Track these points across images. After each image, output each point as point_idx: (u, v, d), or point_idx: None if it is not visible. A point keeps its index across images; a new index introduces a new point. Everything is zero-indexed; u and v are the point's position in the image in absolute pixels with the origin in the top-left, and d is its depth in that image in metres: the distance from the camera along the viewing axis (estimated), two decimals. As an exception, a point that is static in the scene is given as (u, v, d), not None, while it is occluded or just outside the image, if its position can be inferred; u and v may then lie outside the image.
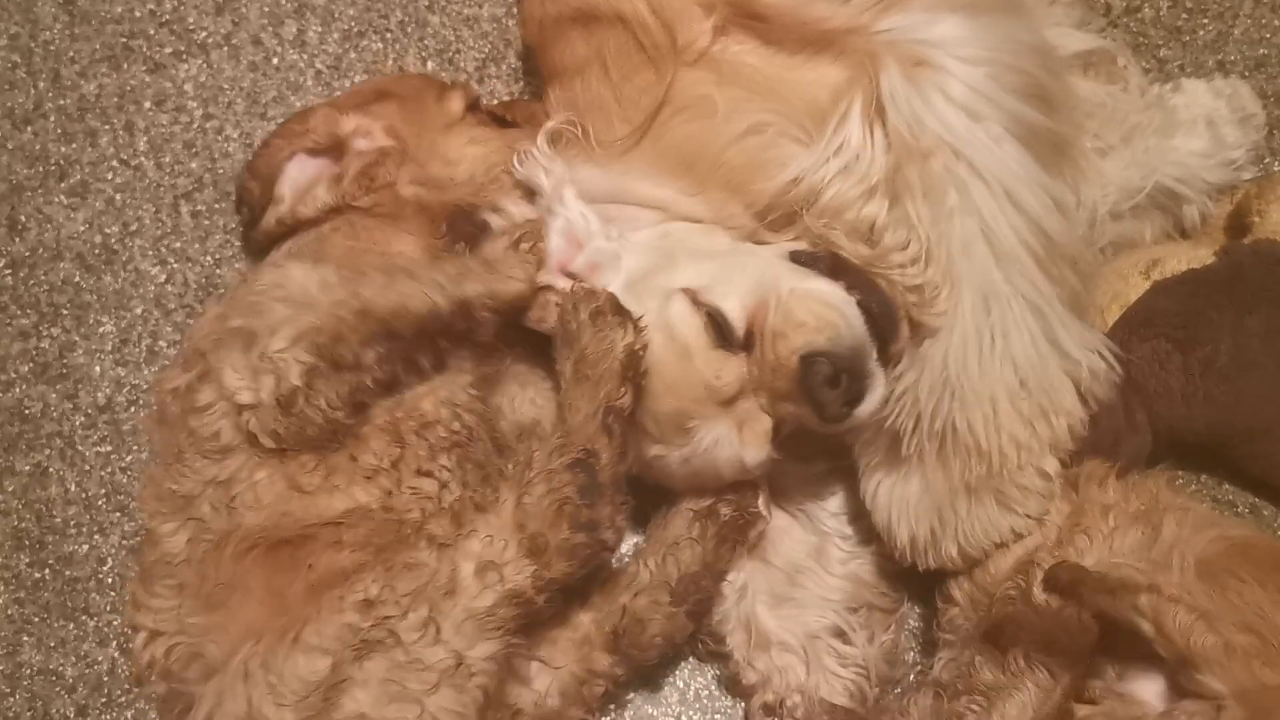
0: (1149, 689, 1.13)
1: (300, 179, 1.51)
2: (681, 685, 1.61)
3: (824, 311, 1.30)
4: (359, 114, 1.53)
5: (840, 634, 1.49)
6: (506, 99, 1.79)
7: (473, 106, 1.58)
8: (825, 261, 1.36)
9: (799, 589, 1.50)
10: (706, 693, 1.60)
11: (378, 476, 1.30)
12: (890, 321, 1.33)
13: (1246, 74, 1.74)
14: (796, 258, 1.37)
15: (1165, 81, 1.63)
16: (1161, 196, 1.55)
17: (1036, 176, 1.28)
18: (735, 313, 1.33)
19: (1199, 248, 1.52)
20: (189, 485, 1.28)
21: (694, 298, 1.34)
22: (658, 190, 1.41)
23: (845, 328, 1.30)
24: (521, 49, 1.80)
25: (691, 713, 1.60)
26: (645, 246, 1.42)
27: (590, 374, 1.29)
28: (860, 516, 1.51)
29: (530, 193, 1.49)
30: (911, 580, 1.53)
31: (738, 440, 1.34)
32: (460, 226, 1.50)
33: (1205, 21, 1.76)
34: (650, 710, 1.60)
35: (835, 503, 1.54)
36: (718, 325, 1.33)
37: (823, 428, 1.33)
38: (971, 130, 1.25)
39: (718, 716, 1.60)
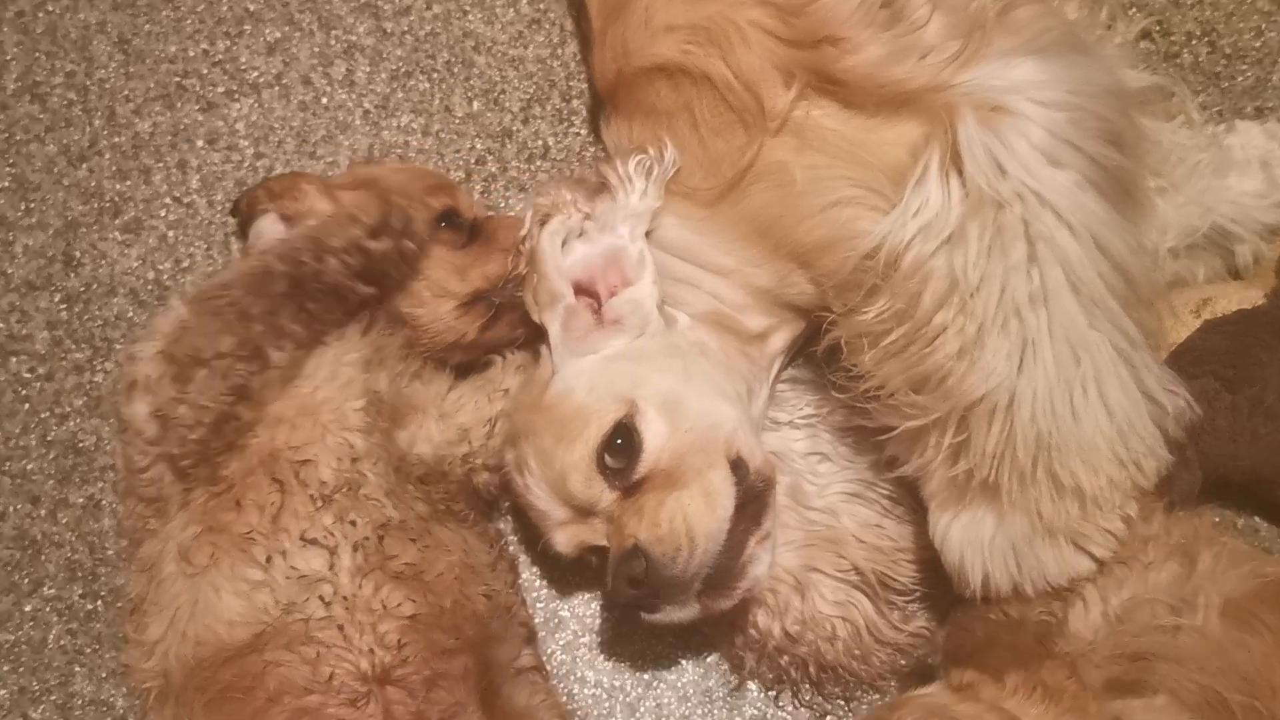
0: None
1: (267, 236, 1.54)
2: None
3: (681, 532, 1.29)
4: (333, 201, 1.54)
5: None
6: (550, 139, 1.82)
7: (446, 216, 1.55)
8: (754, 487, 1.36)
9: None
10: None
11: (254, 543, 1.28)
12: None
13: (1284, 119, 1.75)
14: (737, 465, 1.35)
15: (1211, 124, 1.63)
16: (1216, 236, 1.55)
17: (1118, 220, 1.26)
18: (650, 454, 1.34)
19: (1250, 288, 1.54)
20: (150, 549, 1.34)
21: (632, 414, 1.34)
22: (724, 259, 1.42)
23: (683, 560, 1.29)
24: (565, 90, 1.83)
25: None
26: (674, 338, 1.42)
27: None
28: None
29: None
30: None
31: (561, 531, 1.39)
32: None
33: (1244, 68, 1.77)
34: None
35: (804, 445, 1.53)
36: (629, 448, 1.33)
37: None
38: (1054, 176, 1.22)
39: None
